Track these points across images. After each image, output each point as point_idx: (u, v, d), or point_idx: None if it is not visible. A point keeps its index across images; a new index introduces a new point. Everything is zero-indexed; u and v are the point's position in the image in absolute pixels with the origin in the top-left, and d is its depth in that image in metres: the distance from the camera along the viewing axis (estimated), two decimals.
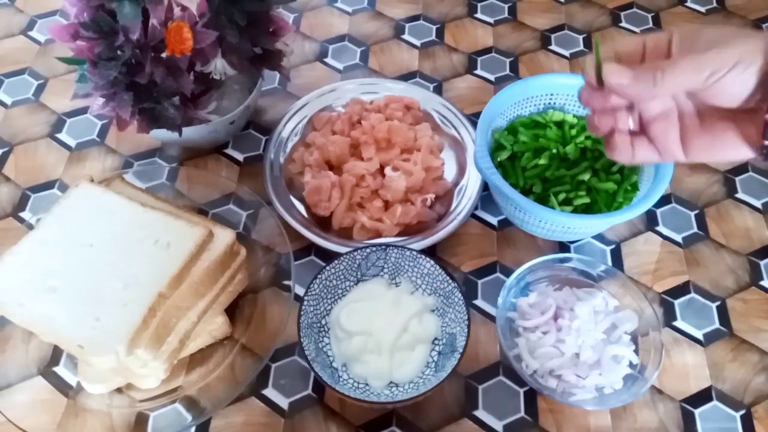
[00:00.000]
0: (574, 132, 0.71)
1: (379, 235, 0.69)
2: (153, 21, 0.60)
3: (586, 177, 0.68)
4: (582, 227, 0.65)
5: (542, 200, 0.67)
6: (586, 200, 0.66)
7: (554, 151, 0.70)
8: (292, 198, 0.72)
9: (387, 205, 0.71)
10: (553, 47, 0.90)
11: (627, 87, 0.43)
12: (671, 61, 0.42)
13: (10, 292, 0.54)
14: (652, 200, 0.63)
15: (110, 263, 0.55)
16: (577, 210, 0.67)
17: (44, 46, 0.88)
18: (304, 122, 0.79)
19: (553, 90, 0.73)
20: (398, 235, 0.69)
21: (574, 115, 0.73)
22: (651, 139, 0.47)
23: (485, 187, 0.73)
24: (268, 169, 0.73)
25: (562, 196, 0.67)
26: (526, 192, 0.68)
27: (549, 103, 0.74)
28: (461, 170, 0.75)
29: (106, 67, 0.60)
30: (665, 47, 0.44)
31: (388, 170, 0.72)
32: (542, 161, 0.69)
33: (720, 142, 0.44)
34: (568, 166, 0.69)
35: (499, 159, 0.70)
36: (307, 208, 0.71)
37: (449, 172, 0.75)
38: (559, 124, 0.72)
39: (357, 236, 0.69)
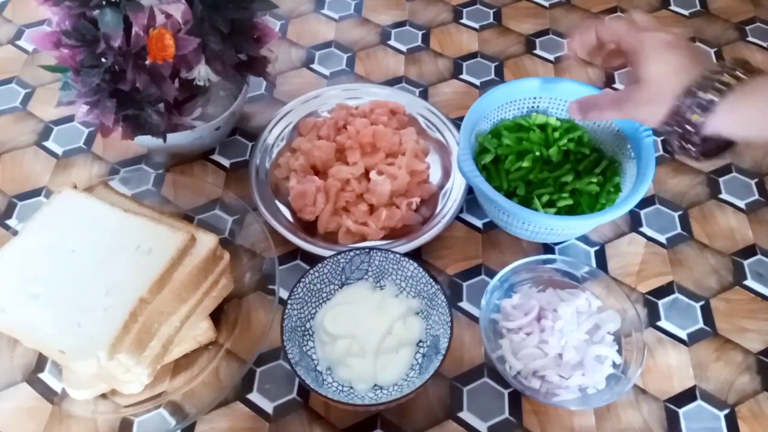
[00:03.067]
0: (557, 135, 0.72)
1: (364, 238, 0.70)
2: (135, 28, 0.61)
3: (569, 179, 0.68)
4: (565, 228, 0.66)
5: (526, 203, 0.67)
6: (569, 202, 0.67)
7: (537, 153, 0.70)
8: (277, 203, 0.72)
9: (372, 209, 0.71)
10: (538, 51, 0.91)
11: (577, 115, 0.60)
12: (611, 101, 0.56)
13: None
14: (633, 201, 0.63)
15: (92, 269, 0.55)
16: (560, 212, 0.67)
17: (32, 56, 0.89)
18: (290, 128, 0.79)
19: (536, 93, 0.73)
20: (383, 238, 0.70)
21: (557, 119, 0.73)
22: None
23: (470, 190, 0.73)
24: (254, 175, 0.74)
25: (545, 198, 0.67)
26: (509, 195, 0.68)
27: (532, 107, 0.74)
28: (446, 173, 0.76)
29: (88, 74, 0.60)
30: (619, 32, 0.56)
31: (373, 174, 0.72)
32: (525, 164, 0.69)
33: None
34: (551, 168, 0.70)
35: (482, 162, 0.70)
36: (293, 212, 0.71)
37: (434, 176, 0.76)
38: (543, 127, 0.73)
39: (342, 240, 0.70)
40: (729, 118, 0.48)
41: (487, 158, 0.70)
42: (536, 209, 0.66)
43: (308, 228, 0.71)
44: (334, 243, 0.70)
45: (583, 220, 0.64)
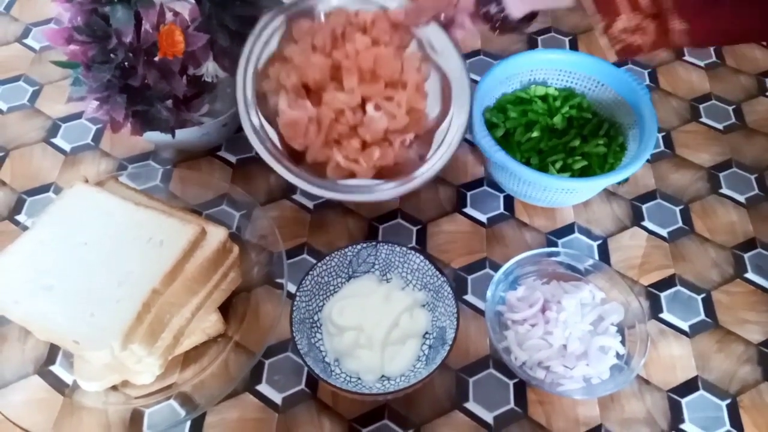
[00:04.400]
0: (558, 103, 0.77)
1: (352, 175, 0.64)
2: (145, 25, 0.62)
3: (576, 143, 0.73)
4: (585, 188, 0.70)
5: (541, 171, 0.70)
6: (585, 163, 0.71)
7: (543, 123, 0.74)
8: (261, 120, 0.63)
9: (364, 145, 0.64)
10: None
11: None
12: None
13: (6, 290, 0.55)
14: (645, 155, 0.67)
15: (104, 261, 0.56)
16: (574, 174, 0.71)
17: (39, 54, 0.89)
18: (281, 29, 0.65)
19: (533, 66, 0.77)
20: (374, 177, 0.64)
21: (555, 88, 0.78)
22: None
23: (473, 185, 0.74)
24: (242, 76, 0.63)
25: (559, 164, 0.71)
26: (525, 165, 0.71)
27: (531, 79, 0.79)
28: (444, 105, 0.66)
29: (99, 70, 0.61)
30: None
31: (369, 108, 0.63)
32: (535, 134, 0.73)
33: None
34: (558, 135, 0.74)
35: (495, 137, 0.72)
36: (280, 137, 0.64)
37: (431, 107, 0.66)
38: (543, 98, 0.77)
39: (331, 175, 0.64)
40: None
41: (498, 133, 0.74)
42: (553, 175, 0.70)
43: (295, 155, 0.64)
44: (322, 176, 0.64)
45: (602, 178, 0.68)
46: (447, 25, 0.64)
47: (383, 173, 0.64)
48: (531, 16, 0.60)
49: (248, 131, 0.61)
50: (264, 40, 0.64)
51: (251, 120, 0.62)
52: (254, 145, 0.61)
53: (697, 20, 0.48)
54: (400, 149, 0.64)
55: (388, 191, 0.63)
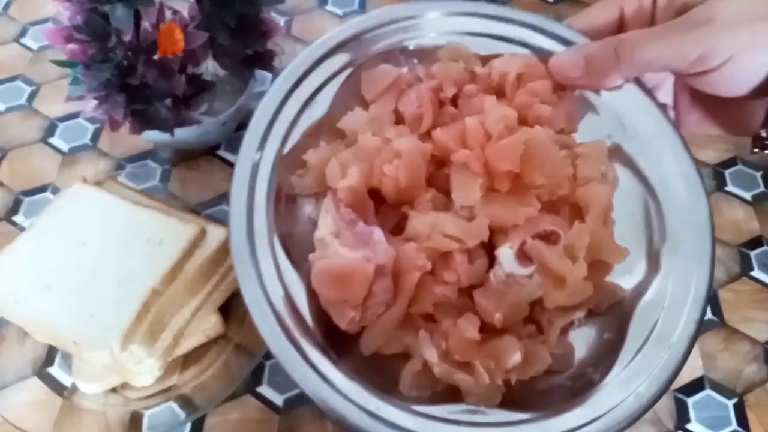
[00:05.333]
0: None
1: (457, 398, 0.33)
2: (145, 23, 0.61)
3: None
4: None
5: None
6: None
7: None
8: (277, 253, 0.34)
9: (485, 328, 0.34)
10: None
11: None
12: (645, 34, 0.32)
13: (5, 290, 0.54)
14: None
15: (104, 261, 0.56)
16: None
17: (37, 53, 0.89)
18: (341, 78, 0.38)
19: None
20: (501, 405, 0.33)
21: None
22: None
23: None
24: (246, 171, 0.37)
25: None
26: None
27: None
28: (653, 263, 0.35)
29: (98, 69, 0.61)
30: (649, 12, 0.35)
31: (507, 257, 0.34)
32: None
33: (710, 122, 0.38)
34: None
35: None
36: (312, 296, 0.35)
37: (625, 266, 0.35)
38: None
39: (408, 389, 0.33)
40: None
41: None
42: None
43: (339, 337, 0.35)
44: (386, 389, 0.33)
45: None
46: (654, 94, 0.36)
47: (513, 393, 0.33)
48: None
49: (244, 280, 0.32)
50: (304, 96, 0.36)
51: (255, 254, 0.33)
52: (253, 315, 0.34)
53: None
54: (560, 343, 0.34)
55: None
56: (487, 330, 0.32)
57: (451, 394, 0.32)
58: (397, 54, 0.37)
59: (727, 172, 0.78)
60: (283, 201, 0.34)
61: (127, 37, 0.60)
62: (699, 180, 0.33)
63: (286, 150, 0.35)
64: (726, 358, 0.64)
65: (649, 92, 0.35)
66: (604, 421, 0.31)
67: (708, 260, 0.32)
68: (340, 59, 0.36)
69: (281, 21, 0.93)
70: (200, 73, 0.68)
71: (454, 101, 0.36)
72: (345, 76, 0.37)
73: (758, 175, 0.77)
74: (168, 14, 0.64)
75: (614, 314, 0.33)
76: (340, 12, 0.95)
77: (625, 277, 0.33)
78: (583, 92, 0.36)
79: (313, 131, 0.36)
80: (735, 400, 0.61)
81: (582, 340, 0.32)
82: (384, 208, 0.34)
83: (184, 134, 0.70)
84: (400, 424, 0.29)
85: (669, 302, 0.32)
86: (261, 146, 0.36)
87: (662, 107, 0.35)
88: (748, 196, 0.76)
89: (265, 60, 0.72)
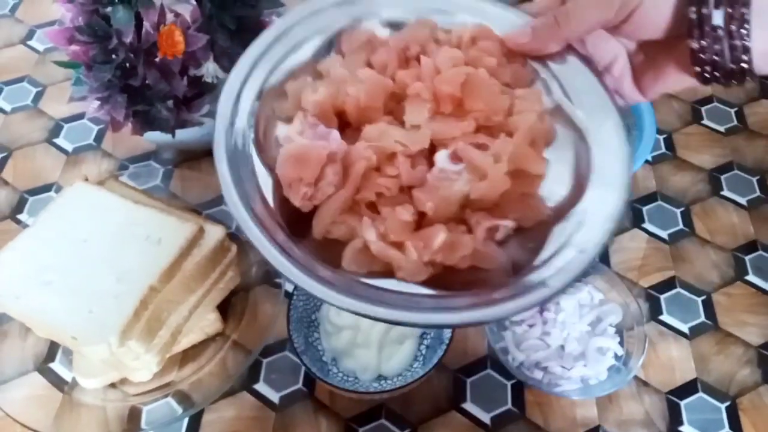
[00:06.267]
0: None
1: (389, 272, 0.37)
2: (146, 25, 0.62)
3: None
4: None
5: None
6: None
7: None
8: (253, 160, 0.40)
9: (421, 220, 0.39)
10: None
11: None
12: (578, 2, 0.38)
13: (6, 286, 0.55)
14: (645, 154, 0.67)
15: (103, 258, 0.56)
16: None
17: (43, 55, 0.90)
18: (328, 38, 0.44)
19: None
20: (425, 283, 0.37)
21: None
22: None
23: None
24: (232, 93, 0.41)
25: None
26: None
27: None
28: (577, 190, 0.40)
29: (100, 70, 0.62)
30: None
31: (441, 158, 0.39)
32: None
33: (664, 76, 0.41)
34: None
35: None
36: (277, 185, 0.39)
37: (552, 187, 0.40)
38: None
39: (350, 264, 0.38)
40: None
41: None
42: None
43: (296, 221, 0.39)
44: (333, 263, 0.38)
45: None
46: (593, 61, 0.42)
47: (444, 279, 0.37)
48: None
49: (221, 168, 0.38)
50: (291, 42, 0.42)
51: (234, 153, 0.39)
52: (225, 193, 0.37)
53: None
54: (486, 243, 0.38)
55: (441, 314, 0.35)
56: (421, 221, 0.38)
57: (385, 274, 0.37)
58: (376, 20, 0.44)
59: (723, 177, 0.78)
60: (263, 124, 0.40)
61: (128, 39, 0.61)
62: (623, 128, 0.39)
63: (270, 85, 0.41)
64: (719, 361, 0.64)
65: (589, 62, 0.41)
66: (515, 303, 0.35)
67: (624, 187, 0.37)
68: (328, 18, 0.43)
69: None
70: (201, 75, 0.69)
71: (418, 59, 0.42)
72: (328, 34, 0.43)
73: (754, 180, 0.78)
74: (169, 17, 0.65)
75: (539, 229, 0.38)
76: None
77: (552, 199, 0.40)
78: (532, 64, 0.42)
79: (295, 72, 0.42)
80: (728, 403, 0.62)
81: (508, 249, 0.38)
82: (348, 131, 0.40)
83: (185, 135, 0.71)
84: (338, 285, 0.35)
85: (587, 218, 0.38)
86: (245, 80, 0.41)
87: (598, 74, 0.41)
88: (743, 200, 0.76)
89: None
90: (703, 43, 0.36)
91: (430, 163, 0.39)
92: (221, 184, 0.38)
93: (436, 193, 0.37)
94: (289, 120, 0.41)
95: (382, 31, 0.44)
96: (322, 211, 0.38)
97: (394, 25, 0.44)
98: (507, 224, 0.38)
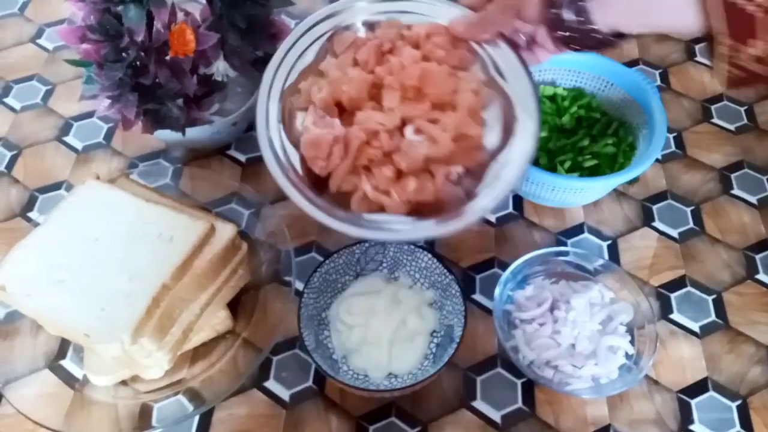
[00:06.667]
0: (566, 103, 0.77)
1: (382, 210, 0.53)
2: (157, 24, 0.62)
3: (585, 143, 0.73)
4: (594, 188, 0.70)
5: (550, 170, 0.70)
6: (594, 162, 0.71)
7: (552, 123, 0.74)
8: (284, 142, 0.55)
9: (400, 174, 0.54)
10: None
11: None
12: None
13: (19, 284, 0.55)
14: (654, 153, 0.67)
15: (115, 256, 0.57)
16: (583, 174, 0.71)
17: (52, 54, 0.90)
18: (324, 38, 0.58)
19: (541, 66, 0.78)
20: (409, 213, 0.53)
21: (564, 88, 0.78)
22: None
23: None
24: (265, 94, 0.55)
25: (568, 164, 0.71)
26: (533, 165, 0.71)
27: (539, 80, 0.79)
28: (505, 135, 0.55)
29: (111, 68, 0.62)
30: None
31: (408, 131, 0.55)
32: (543, 134, 0.73)
33: (561, 41, 0.52)
34: (567, 135, 0.74)
35: None
36: (302, 160, 0.55)
37: (488, 138, 0.55)
38: (552, 98, 0.78)
39: (356, 207, 0.54)
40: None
41: None
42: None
43: (318, 184, 0.55)
44: (345, 207, 0.54)
45: (612, 178, 0.67)
46: (517, 44, 0.55)
47: (420, 211, 0.54)
48: (620, 34, 0.49)
49: (266, 153, 0.53)
50: (298, 51, 0.57)
51: (271, 140, 0.54)
52: (270, 168, 0.52)
53: None
54: (444, 184, 0.53)
55: (418, 231, 0.53)
56: (400, 175, 0.53)
57: (379, 211, 0.53)
58: (356, 24, 0.58)
59: (734, 176, 0.78)
60: (288, 114, 0.56)
61: (140, 38, 0.61)
62: (535, 90, 0.54)
63: (288, 83, 0.56)
64: (730, 360, 0.64)
65: (515, 47, 0.55)
66: (460, 220, 0.51)
67: (534, 135, 0.52)
68: (322, 27, 0.57)
69: (291, 24, 0.94)
70: (211, 73, 0.69)
71: (391, 51, 0.57)
72: (324, 39, 0.58)
73: (764, 179, 0.77)
74: (180, 16, 0.65)
75: (480, 169, 0.54)
76: None
77: (488, 146, 0.55)
78: (474, 45, 0.56)
79: (304, 71, 0.57)
80: (739, 402, 0.61)
81: (460, 188, 0.54)
82: (344, 115, 0.55)
83: (195, 134, 0.71)
84: (348, 220, 0.52)
85: (510, 158, 0.53)
86: (271, 81, 0.55)
87: (520, 56, 0.55)
88: (753, 199, 0.76)
89: None
90: (555, 12, 0.48)
91: (403, 135, 0.54)
92: (266, 163, 0.52)
93: (407, 155, 0.53)
94: (304, 110, 0.56)
95: (362, 31, 0.58)
96: (335, 174, 0.54)
97: (370, 25, 0.59)
98: (457, 169, 0.54)
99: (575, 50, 0.52)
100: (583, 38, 0.49)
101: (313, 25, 0.57)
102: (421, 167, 0.54)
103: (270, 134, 0.54)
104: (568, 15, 0.48)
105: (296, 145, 0.55)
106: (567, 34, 0.50)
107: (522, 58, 0.55)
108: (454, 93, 0.55)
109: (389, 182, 0.53)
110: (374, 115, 0.54)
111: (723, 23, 0.41)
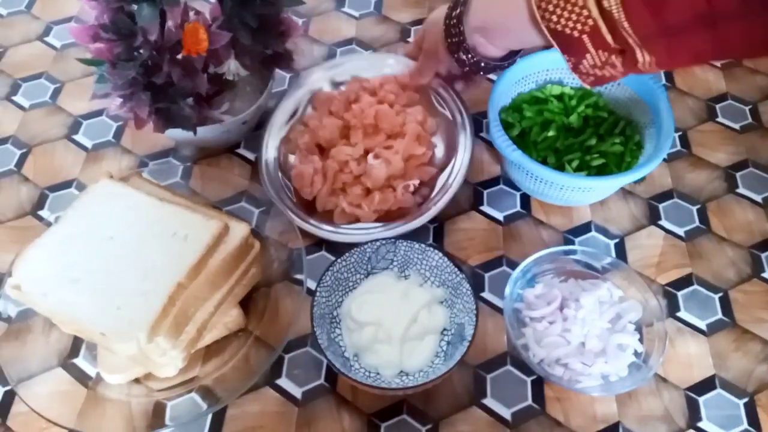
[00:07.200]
0: (573, 102, 0.77)
1: (357, 220, 0.71)
2: (169, 23, 0.63)
3: (593, 142, 0.73)
4: (602, 187, 0.71)
5: (558, 170, 0.70)
6: (602, 161, 0.71)
7: (559, 122, 0.75)
8: (281, 177, 0.74)
9: (368, 191, 0.71)
10: None
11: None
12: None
13: (34, 283, 0.56)
14: (662, 153, 0.67)
15: (130, 255, 0.57)
16: (591, 173, 0.71)
17: (60, 51, 0.91)
18: (305, 98, 0.80)
19: (548, 66, 0.78)
20: (377, 220, 0.70)
21: (571, 87, 0.79)
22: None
23: (490, 184, 0.75)
24: (264, 148, 0.76)
25: (575, 163, 0.71)
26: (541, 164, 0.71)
27: (546, 79, 0.79)
28: (449, 152, 0.74)
29: (124, 67, 0.62)
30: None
31: (370, 158, 0.72)
32: (551, 133, 0.74)
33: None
34: (574, 134, 0.75)
35: (511, 137, 0.72)
36: (295, 190, 0.74)
37: (438, 155, 0.75)
38: (559, 97, 0.78)
39: (337, 220, 0.71)
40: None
41: (514, 132, 0.74)
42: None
43: (309, 206, 0.73)
44: (329, 221, 0.71)
45: (620, 177, 0.67)
46: (448, 81, 0.75)
47: (388, 218, 0.71)
48: (513, 53, 0.67)
49: (267, 187, 0.72)
50: (289, 110, 0.79)
51: (269, 176, 0.73)
52: (272, 198, 0.71)
53: (662, 53, 0.47)
54: (403, 194, 0.71)
55: (383, 232, 0.69)
56: (368, 192, 0.71)
57: (355, 221, 0.71)
58: (330, 83, 0.81)
59: (739, 175, 0.78)
60: (283, 156, 0.77)
61: (153, 37, 0.62)
62: (467, 114, 0.75)
63: (283, 134, 0.78)
64: (737, 358, 0.65)
65: (447, 83, 0.76)
66: (419, 219, 0.70)
67: (469, 150, 0.73)
68: (306, 89, 0.80)
69: (299, 22, 0.94)
70: (222, 72, 0.70)
71: (356, 101, 0.76)
72: (307, 98, 0.80)
73: None
74: (191, 15, 0.66)
75: (431, 180, 0.73)
76: (356, 14, 0.96)
77: (437, 161, 0.75)
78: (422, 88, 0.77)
79: (295, 124, 0.79)
80: (746, 399, 0.62)
81: (418, 196, 0.72)
82: (324, 152, 0.75)
83: (206, 132, 0.71)
84: (335, 230, 0.71)
85: (454, 169, 0.72)
86: (267, 136, 0.77)
87: (454, 91, 0.76)
88: (759, 198, 0.76)
89: (284, 60, 0.73)
90: (456, 55, 0.67)
91: (367, 161, 0.72)
92: (268, 193, 0.72)
93: (372, 176, 0.71)
94: (293, 153, 0.76)
95: (332, 89, 0.81)
96: (318, 197, 0.72)
97: (337, 84, 0.81)
98: (414, 182, 0.72)
99: (486, 73, 0.70)
100: (480, 67, 0.66)
101: (295, 95, 0.80)
102: (385, 184, 0.71)
103: (268, 170, 0.74)
104: (462, 56, 0.65)
105: (289, 179, 0.74)
106: (469, 67, 0.67)
107: (456, 91, 0.76)
108: (402, 125, 0.73)
109: (360, 198, 0.71)
110: (344, 149, 0.73)
111: (557, 46, 0.52)
